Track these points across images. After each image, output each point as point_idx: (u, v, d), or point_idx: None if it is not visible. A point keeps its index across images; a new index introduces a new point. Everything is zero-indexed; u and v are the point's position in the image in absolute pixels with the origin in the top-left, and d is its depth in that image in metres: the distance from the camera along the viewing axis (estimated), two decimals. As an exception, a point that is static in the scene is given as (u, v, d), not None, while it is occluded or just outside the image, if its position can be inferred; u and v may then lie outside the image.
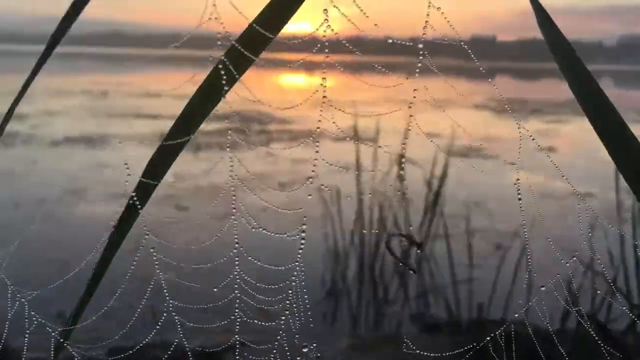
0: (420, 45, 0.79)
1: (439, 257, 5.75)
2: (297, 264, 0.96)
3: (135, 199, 0.85)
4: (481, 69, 0.83)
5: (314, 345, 1.06)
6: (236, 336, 1.05)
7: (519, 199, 0.92)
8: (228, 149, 0.87)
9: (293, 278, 0.99)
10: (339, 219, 5.83)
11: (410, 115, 0.85)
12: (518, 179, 0.91)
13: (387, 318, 5.16)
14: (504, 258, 5.03)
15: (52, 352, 0.93)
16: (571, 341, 3.43)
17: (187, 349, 1.07)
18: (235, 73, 0.77)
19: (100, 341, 1.17)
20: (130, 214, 0.86)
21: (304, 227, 0.96)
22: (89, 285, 0.87)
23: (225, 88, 0.78)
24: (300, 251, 0.94)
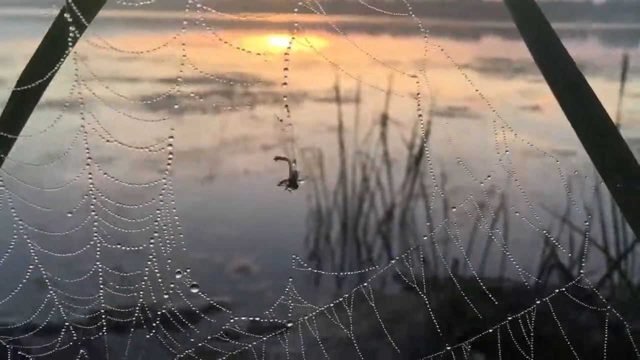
0: (409, 7, 0.79)
1: (421, 216, 5.83)
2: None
3: None
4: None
5: (188, 270, 1.05)
6: (98, 263, 1.05)
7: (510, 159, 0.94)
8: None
9: (160, 197, 0.97)
10: (321, 180, 5.87)
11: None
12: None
13: (370, 277, 5.25)
14: (483, 216, 5.11)
15: None
16: (547, 295, 3.53)
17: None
18: (81, 17, 0.74)
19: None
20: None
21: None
22: None
23: (72, 34, 0.75)
24: (167, 168, 0.94)
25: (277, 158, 0.97)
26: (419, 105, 0.88)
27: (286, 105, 0.84)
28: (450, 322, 2.99)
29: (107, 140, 0.87)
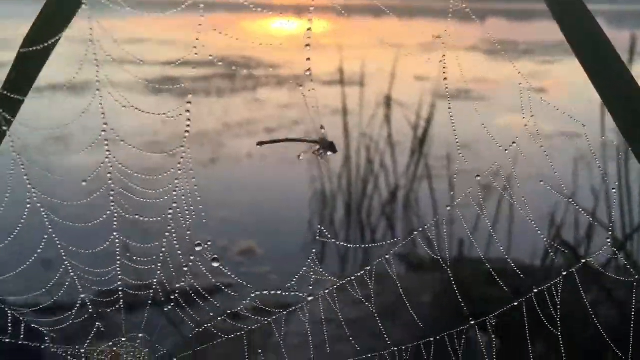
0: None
1: (425, 198, 5.83)
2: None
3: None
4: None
5: (209, 243, 1.05)
6: (116, 233, 1.05)
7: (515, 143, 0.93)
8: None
9: (179, 166, 0.97)
10: (325, 163, 5.87)
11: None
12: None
13: (375, 259, 5.26)
14: (488, 197, 5.11)
15: None
16: (553, 276, 3.54)
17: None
18: None
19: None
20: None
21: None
22: None
23: None
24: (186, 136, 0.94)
25: (260, 143, 0.96)
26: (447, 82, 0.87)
27: (303, 89, 0.83)
28: (457, 302, 3.00)
29: (124, 106, 0.86)
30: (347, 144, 5.91)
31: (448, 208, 1.12)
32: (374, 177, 5.90)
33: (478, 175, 1.10)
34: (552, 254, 3.19)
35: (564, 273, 1.06)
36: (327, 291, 1.15)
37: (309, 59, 0.79)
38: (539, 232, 1.11)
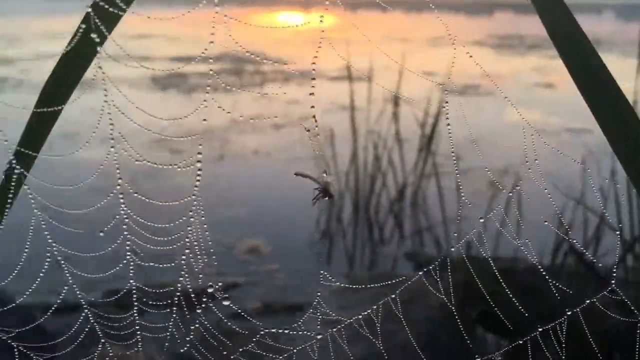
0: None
1: (433, 196, 5.81)
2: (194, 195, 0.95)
3: (16, 168, 0.80)
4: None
5: (220, 284, 1.07)
6: (132, 281, 1.06)
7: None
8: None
9: (190, 213, 0.97)
10: (333, 160, 5.85)
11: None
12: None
13: (382, 258, 5.25)
14: (496, 196, 5.08)
15: None
16: (561, 277, 3.51)
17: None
18: (102, 27, 0.72)
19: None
20: (11, 183, 0.82)
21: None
22: None
23: (98, 47, 0.73)
24: (197, 185, 0.93)
25: (297, 174, 0.96)
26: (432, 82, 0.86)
27: (314, 116, 0.82)
28: (464, 303, 2.99)
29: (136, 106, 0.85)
30: (354, 140, 5.89)
31: (481, 220, 1.10)
32: (381, 175, 5.88)
33: (487, 170, 1.08)
34: (558, 254, 3.16)
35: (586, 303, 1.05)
36: (335, 330, 1.15)
37: (314, 63, 0.78)
38: (546, 231, 1.09)
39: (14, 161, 0.80)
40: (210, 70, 0.83)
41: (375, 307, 1.10)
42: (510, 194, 1.64)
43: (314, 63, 0.81)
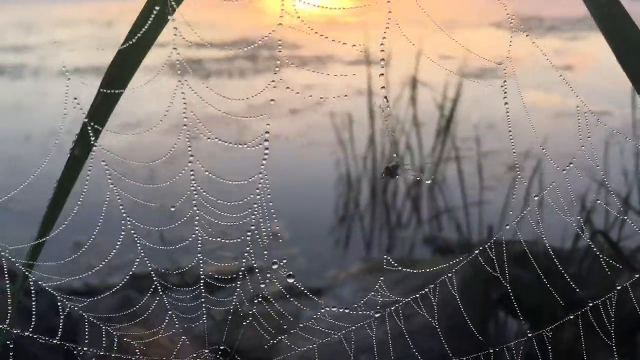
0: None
1: (452, 180, 5.77)
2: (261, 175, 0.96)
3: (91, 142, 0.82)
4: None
5: (284, 261, 1.09)
6: (199, 255, 1.07)
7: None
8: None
9: (257, 191, 0.99)
10: (350, 145, 5.83)
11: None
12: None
13: (400, 242, 5.24)
14: (516, 179, 5.03)
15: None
16: (584, 259, 3.47)
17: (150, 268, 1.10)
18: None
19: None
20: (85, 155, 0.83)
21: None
22: (46, 217, 0.87)
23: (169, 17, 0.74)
24: (263, 165, 0.95)
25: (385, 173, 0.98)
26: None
27: (385, 97, 0.82)
28: (486, 286, 2.98)
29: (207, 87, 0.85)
30: (371, 125, 5.86)
31: (507, 227, 1.10)
32: (399, 159, 5.85)
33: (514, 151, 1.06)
34: (584, 237, 3.13)
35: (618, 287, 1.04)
36: (392, 308, 1.17)
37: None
38: (568, 214, 1.08)
39: (91, 133, 0.82)
40: (279, 49, 0.83)
41: (432, 285, 1.12)
42: (520, 180, 1.61)
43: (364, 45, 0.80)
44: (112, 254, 1.03)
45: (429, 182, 5.64)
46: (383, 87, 0.79)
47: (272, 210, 1.05)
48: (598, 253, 1.09)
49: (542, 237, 1.10)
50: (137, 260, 1.09)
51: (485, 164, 5.63)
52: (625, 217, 1.13)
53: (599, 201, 3.67)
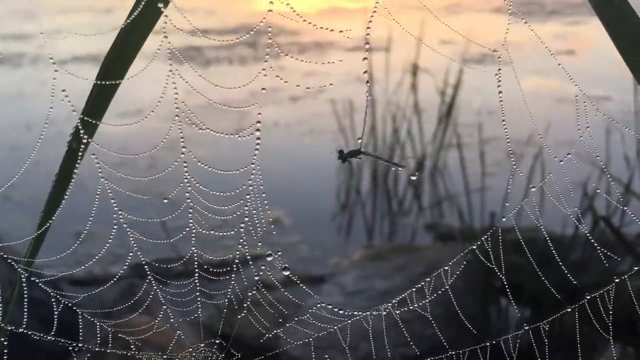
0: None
1: (453, 167, 5.76)
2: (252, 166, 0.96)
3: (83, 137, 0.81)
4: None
5: (279, 253, 1.09)
6: (193, 248, 1.07)
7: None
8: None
9: (250, 182, 0.99)
10: (351, 132, 5.81)
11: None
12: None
13: (402, 229, 5.24)
14: (517, 166, 5.02)
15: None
16: (585, 245, 3.48)
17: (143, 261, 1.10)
18: None
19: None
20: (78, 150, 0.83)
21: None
22: (46, 209, 0.87)
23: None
24: (255, 156, 0.94)
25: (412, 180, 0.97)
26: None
27: (367, 81, 0.81)
28: (488, 273, 2.98)
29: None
30: (372, 112, 5.84)
31: (503, 219, 1.10)
32: (400, 146, 5.83)
33: (508, 141, 1.06)
34: (581, 227, 3.12)
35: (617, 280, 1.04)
36: (389, 305, 1.17)
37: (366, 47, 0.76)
38: (569, 201, 1.08)
39: (81, 130, 0.82)
40: (270, 39, 0.82)
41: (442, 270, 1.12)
42: (516, 168, 1.61)
43: (368, 33, 0.79)
44: (107, 246, 1.03)
45: (414, 178, 5.62)
46: (365, 72, 0.79)
47: (272, 199, 1.05)
48: (596, 245, 1.08)
49: (540, 226, 1.10)
50: (131, 253, 1.09)
51: (487, 150, 5.61)
52: (625, 208, 1.12)
53: (598, 190, 3.67)
